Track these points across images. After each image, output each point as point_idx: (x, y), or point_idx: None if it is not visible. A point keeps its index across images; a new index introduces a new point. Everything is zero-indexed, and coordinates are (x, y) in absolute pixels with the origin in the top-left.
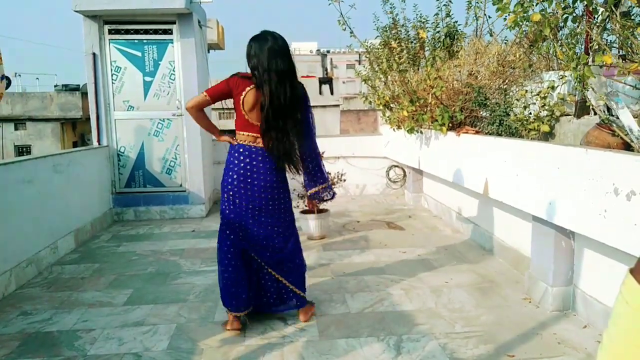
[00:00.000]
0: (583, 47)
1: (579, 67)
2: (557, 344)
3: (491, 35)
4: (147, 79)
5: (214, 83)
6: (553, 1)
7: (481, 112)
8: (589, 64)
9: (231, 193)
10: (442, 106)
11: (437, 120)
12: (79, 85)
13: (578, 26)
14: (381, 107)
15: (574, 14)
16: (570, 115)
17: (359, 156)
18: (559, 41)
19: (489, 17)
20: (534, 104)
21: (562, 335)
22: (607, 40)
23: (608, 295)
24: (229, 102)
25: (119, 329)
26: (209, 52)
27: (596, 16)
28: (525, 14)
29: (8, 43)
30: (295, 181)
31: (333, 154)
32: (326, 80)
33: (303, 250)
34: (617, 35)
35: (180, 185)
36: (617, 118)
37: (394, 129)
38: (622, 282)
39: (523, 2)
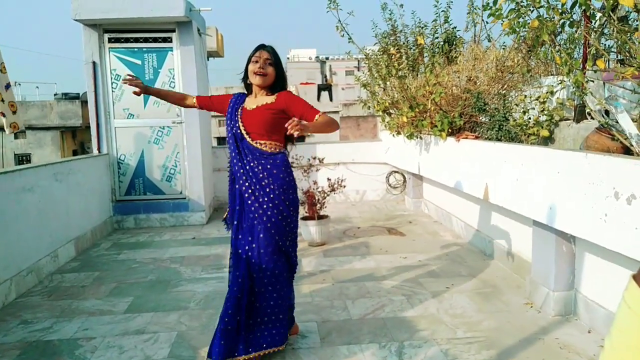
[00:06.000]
0: (582, 52)
1: (572, 72)
2: (560, 349)
3: (489, 40)
4: None
5: (213, 91)
6: (550, 8)
7: (480, 118)
8: (583, 69)
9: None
10: (441, 112)
11: (436, 126)
12: (78, 93)
13: (576, 31)
14: (380, 113)
15: (572, 20)
16: (569, 119)
17: (359, 162)
18: (557, 46)
19: (487, 22)
20: (533, 108)
21: (564, 340)
22: (605, 45)
23: (610, 299)
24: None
25: (120, 337)
26: (208, 59)
27: (594, 21)
28: (520, 19)
29: (8, 52)
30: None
31: (333, 160)
32: (325, 86)
33: (304, 256)
34: (615, 40)
35: (180, 193)
36: (617, 122)
37: (393, 135)
38: (625, 288)
39: (518, 8)
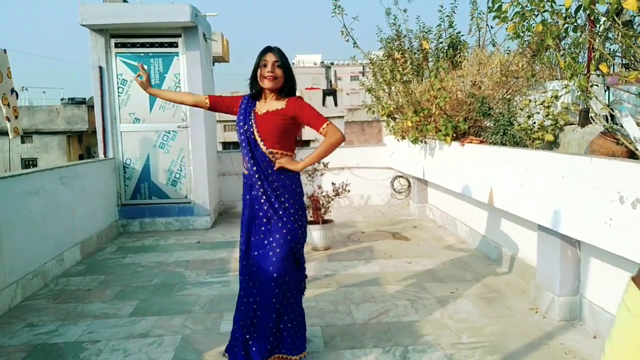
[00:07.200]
0: (586, 56)
1: (575, 76)
2: (565, 354)
3: (494, 45)
4: None
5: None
6: (555, 12)
7: (485, 122)
8: (587, 73)
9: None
10: (446, 116)
11: (441, 131)
12: (85, 98)
13: (580, 36)
14: (385, 118)
15: (576, 24)
16: (574, 124)
17: (364, 167)
18: (562, 51)
19: (491, 27)
20: (538, 113)
21: (569, 345)
22: (609, 49)
23: (615, 304)
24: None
25: (125, 341)
26: (214, 64)
27: (598, 25)
28: (525, 23)
29: (15, 57)
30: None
31: (337, 165)
32: (330, 92)
33: (308, 260)
34: (620, 44)
35: (186, 197)
36: (621, 126)
37: (398, 140)
38: (624, 289)
39: (523, 12)
